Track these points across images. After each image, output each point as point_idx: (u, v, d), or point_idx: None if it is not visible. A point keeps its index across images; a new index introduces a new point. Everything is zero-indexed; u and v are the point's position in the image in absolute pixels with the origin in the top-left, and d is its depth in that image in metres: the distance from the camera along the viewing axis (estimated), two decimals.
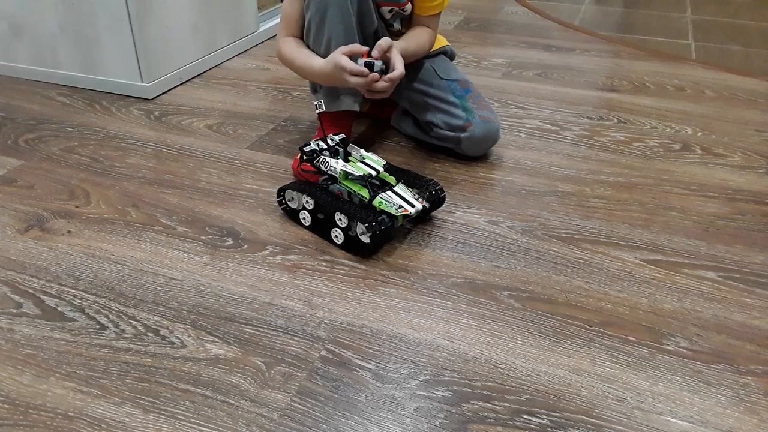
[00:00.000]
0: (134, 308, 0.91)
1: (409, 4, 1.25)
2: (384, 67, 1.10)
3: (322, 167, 1.08)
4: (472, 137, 1.24)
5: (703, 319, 0.90)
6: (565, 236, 1.08)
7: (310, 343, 0.85)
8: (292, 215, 1.11)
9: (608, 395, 0.78)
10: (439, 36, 1.35)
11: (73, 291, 0.94)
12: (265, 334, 0.87)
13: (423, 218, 1.12)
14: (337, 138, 1.12)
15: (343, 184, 1.05)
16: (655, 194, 1.20)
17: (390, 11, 1.25)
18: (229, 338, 0.86)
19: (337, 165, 1.05)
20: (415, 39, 1.26)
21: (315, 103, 1.14)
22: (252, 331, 0.87)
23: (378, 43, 1.10)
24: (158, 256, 1.02)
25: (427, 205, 1.05)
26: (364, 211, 1.01)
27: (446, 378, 0.80)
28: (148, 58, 1.55)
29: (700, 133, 1.44)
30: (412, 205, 1.02)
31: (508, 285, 0.96)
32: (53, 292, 0.94)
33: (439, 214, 1.13)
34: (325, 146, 1.10)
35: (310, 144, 1.10)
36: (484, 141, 1.27)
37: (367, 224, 0.98)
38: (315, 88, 1.28)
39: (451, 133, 1.26)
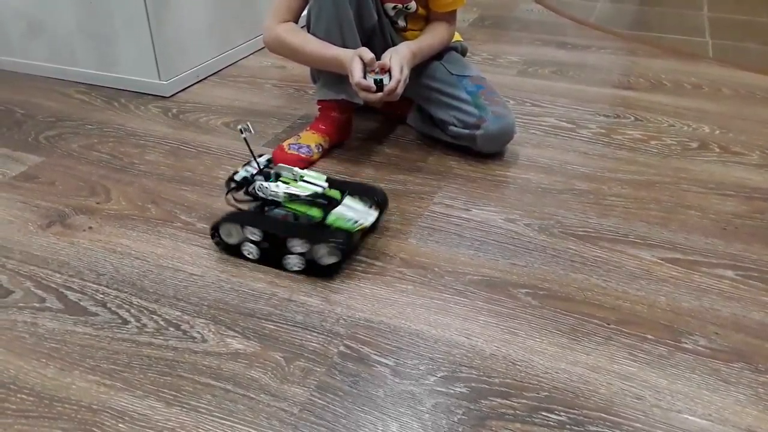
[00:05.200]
0: (155, 303, 0.92)
1: (413, 2, 1.25)
2: (384, 80, 1.13)
3: (260, 193, 0.99)
4: (486, 133, 1.24)
5: (722, 318, 0.90)
6: (582, 234, 1.08)
7: (329, 338, 0.86)
8: (233, 251, 1.00)
9: (626, 393, 0.79)
10: None
11: (95, 286, 0.95)
12: (284, 330, 0.87)
13: (373, 227, 1.06)
14: (263, 159, 1.05)
15: (288, 207, 0.99)
16: (673, 192, 1.20)
17: (394, 8, 1.26)
18: (249, 333, 0.87)
19: (278, 188, 0.98)
20: (430, 36, 1.28)
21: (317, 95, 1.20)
22: (271, 326, 0.88)
23: (379, 63, 1.14)
24: (178, 252, 1.03)
25: (377, 214, 1.02)
26: (320, 232, 0.95)
27: (464, 374, 0.81)
28: (165, 56, 1.57)
29: (717, 132, 1.44)
30: (367, 217, 0.99)
31: (525, 283, 0.97)
32: (76, 287, 0.95)
33: (455, 211, 1.13)
34: (255, 170, 1.03)
35: (238, 171, 1.04)
36: (500, 137, 1.27)
37: (331, 245, 0.93)
38: (315, 78, 1.34)
39: (466, 131, 1.26)
